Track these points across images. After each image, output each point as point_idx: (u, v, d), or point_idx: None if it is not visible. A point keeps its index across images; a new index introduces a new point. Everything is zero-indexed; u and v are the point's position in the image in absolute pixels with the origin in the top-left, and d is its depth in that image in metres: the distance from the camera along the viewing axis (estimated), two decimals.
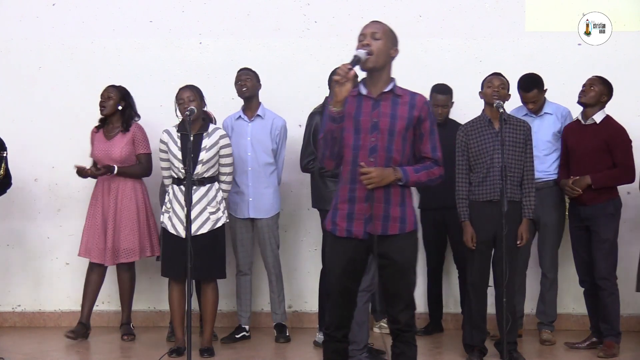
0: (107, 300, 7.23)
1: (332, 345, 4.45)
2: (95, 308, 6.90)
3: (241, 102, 6.85)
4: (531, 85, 6.55)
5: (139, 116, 6.87)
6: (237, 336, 6.80)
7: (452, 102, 6.90)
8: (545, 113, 6.68)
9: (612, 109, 6.44)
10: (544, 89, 6.60)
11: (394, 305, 4.36)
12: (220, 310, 6.66)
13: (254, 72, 6.82)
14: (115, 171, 6.63)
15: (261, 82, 6.83)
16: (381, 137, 4.28)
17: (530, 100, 6.58)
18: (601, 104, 6.36)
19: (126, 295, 6.86)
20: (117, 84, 6.81)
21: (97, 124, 6.83)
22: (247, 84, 6.78)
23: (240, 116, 6.84)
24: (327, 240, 4.48)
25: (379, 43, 4.30)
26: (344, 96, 4.18)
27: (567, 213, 6.69)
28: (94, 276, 6.77)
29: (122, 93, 6.79)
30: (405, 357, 4.40)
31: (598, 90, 6.33)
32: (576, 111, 6.55)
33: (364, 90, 4.36)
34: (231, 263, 6.91)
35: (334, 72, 6.42)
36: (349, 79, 4.16)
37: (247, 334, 6.85)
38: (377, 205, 4.29)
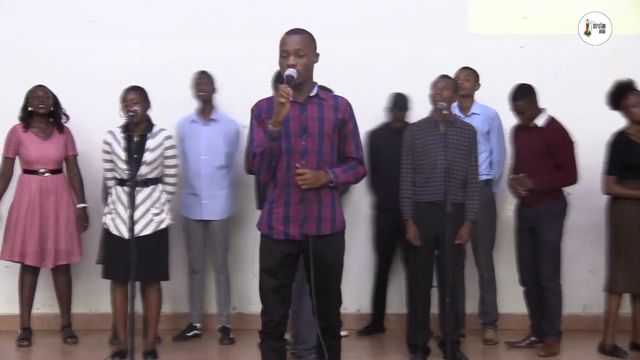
0: (49, 303, 7.12)
1: (271, 344, 4.48)
2: (34, 311, 6.82)
3: (184, 103, 6.84)
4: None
5: (67, 117, 6.82)
6: (188, 334, 6.81)
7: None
8: (473, 113, 6.72)
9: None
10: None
11: (327, 302, 4.47)
12: (164, 313, 6.61)
13: (211, 76, 6.83)
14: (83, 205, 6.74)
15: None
16: (311, 140, 4.36)
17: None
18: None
19: (65, 298, 6.80)
20: (42, 84, 6.73)
21: (18, 122, 6.72)
22: (204, 88, 6.79)
23: (194, 119, 6.82)
24: (262, 241, 4.50)
25: (304, 60, 4.33)
26: (284, 116, 4.21)
27: (509, 214, 6.78)
28: (30, 279, 6.69)
29: (52, 93, 6.74)
30: (335, 351, 4.56)
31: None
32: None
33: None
34: (178, 264, 6.87)
35: (277, 74, 6.54)
36: (289, 99, 4.20)
37: (198, 332, 6.86)
38: (311, 207, 4.38)
